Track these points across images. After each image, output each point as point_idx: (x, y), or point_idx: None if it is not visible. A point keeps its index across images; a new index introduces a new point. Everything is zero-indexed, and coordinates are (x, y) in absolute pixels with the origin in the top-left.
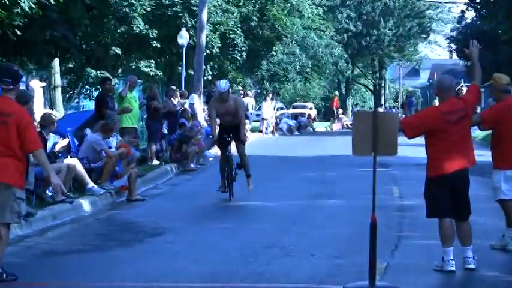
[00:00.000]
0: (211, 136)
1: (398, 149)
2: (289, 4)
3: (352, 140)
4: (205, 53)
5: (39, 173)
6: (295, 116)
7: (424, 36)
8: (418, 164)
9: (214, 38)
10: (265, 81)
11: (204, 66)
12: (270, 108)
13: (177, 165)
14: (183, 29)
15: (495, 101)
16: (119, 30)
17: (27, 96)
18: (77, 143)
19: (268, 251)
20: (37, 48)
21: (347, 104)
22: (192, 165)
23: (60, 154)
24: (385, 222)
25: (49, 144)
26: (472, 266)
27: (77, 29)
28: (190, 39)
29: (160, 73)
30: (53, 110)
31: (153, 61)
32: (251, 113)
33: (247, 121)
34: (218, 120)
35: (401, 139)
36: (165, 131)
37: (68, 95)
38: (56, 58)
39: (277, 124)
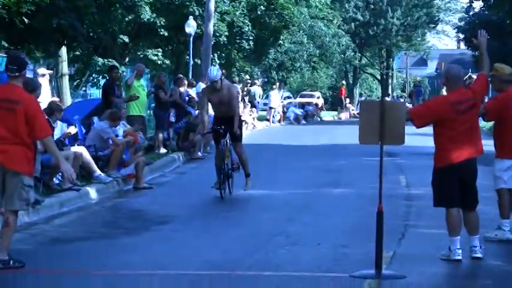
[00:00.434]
0: (201, 129)
1: (405, 139)
2: None
3: (359, 129)
4: (212, 42)
5: (47, 161)
6: (302, 105)
7: (431, 25)
8: (426, 153)
9: (222, 26)
10: (272, 70)
11: (211, 55)
12: (277, 97)
13: (184, 153)
14: (191, 18)
15: (497, 92)
16: (126, 19)
17: (34, 83)
18: (84, 131)
19: (274, 239)
20: (44, 36)
21: (354, 93)
22: (199, 154)
23: (67, 142)
24: (391, 211)
25: (56, 132)
26: (479, 255)
27: (84, 17)
28: (197, 28)
29: (167, 62)
30: (59, 98)
31: (160, 50)
32: (258, 102)
33: (253, 109)
34: (212, 112)
35: (409, 128)
36: (173, 119)
37: (75, 83)
38: (63, 46)
39: (284, 113)
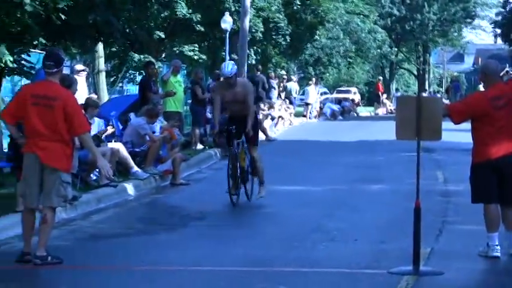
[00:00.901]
0: (213, 129)
1: (442, 134)
2: None
3: (396, 125)
4: (248, 38)
5: (84, 157)
6: (339, 101)
7: (468, 20)
8: (463, 149)
9: (258, 22)
10: (309, 66)
11: (247, 51)
12: (314, 93)
13: (221, 149)
14: (227, 14)
15: None
16: (162, 15)
17: (69, 79)
18: (121, 127)
19: (312, 235)
20: (80, 32)
21: (391, 88)
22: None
23: (104, 138)
24: (429, 207)
25: (93, 128)
26: None
27: (120, 14)
28: (233, 23)
29: (204, 57)
30: (96, 94)
31: (196, 45)
32: (295, 98)
33: (290, 106)
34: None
35: (446, 124)
36: (209, 115)
37: (111, 80)
38: (100, 42)
39: (321, 109)
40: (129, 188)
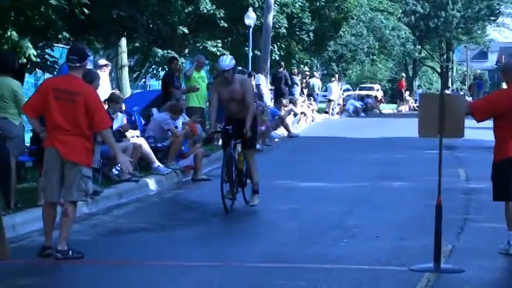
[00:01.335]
0: (208, 129)
1: (465, 132)
2: None
3: (418, 122)
4: (272, 34)
5: (106, 152)
6: (361, 98)
7: (492, 18)
8: (485, 146)
9: (281, 18)
10: (332, 63)
11: (270, 47)
12: (336, 90)
13: None
14: (250, 10)
15: None
16: (186, 10)
17: (92, 74)
18: (143, 122)
19: (333, 232)
20: (104, 27)
21: (414, 86)
22: (258, 146)
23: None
24: (450, 205)
25: (116, 124)
26: None
27: (144, 9)
28: (257, 19)
29: (227, 53)
30: (119, 89)
31: (219, 41)
32: (318, 94)
33: (313, 102)
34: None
35: (468, 122)
36: None
37: (134, 75)
38: (123, 37)
39: (343, 105)
40: (151, 183)
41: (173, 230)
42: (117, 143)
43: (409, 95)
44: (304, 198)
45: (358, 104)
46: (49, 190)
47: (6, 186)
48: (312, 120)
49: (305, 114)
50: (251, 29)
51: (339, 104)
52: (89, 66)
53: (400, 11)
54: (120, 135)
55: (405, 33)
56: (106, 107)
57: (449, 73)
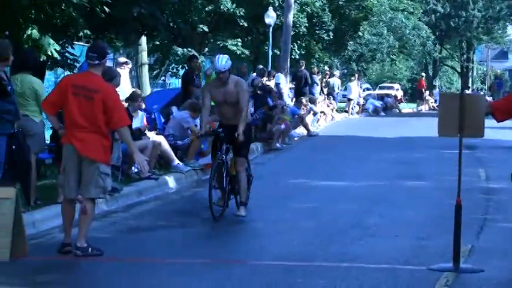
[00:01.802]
0: (198, 131)
1: (484, 132)
2: None
3: (438, 122)
4: (292, 33)
5: (126, 150)
6: (381, 97)
7: None
8: (505, 146)
9: (302, 18)
10: (352, 62)
11: (290, 46)
12: (356, 89)
13: (262, 144)
14: (270, 9)
15: None
16: (206, 9)
17: (111, 73)
18: (162, 120)
19: (351, 231)
20: (124, 25)
21: (435, 85)
22: (278, 145)
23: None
24: (470, 205)
25: (136, 122)
26: None
27: (164, 7)
28: (277, 18)
29: (247, 52)
30: (139, 87)
31: (239, 40)
32: (337, 93)
33: (333, 102)
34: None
35: (488, 121)
36: (251, 109)
37: (154, 73)
38: (143, 36)
39: (363, 105)
40: (170, 181)
41: (192, 228)
42: (134, 142)
43: (429, 95)
44: (323, 196)
45: (378, 103)
46: (67, 187)
47: (27, 183)
48: (332, 119)
49: (325, 114)
50: (271, 28)
51: (358, 103)
52: (109, 64)
53: (421, 10)
54: (140, 133)
55: (425, 32)
56: (126, 105)
57: (470, 73)
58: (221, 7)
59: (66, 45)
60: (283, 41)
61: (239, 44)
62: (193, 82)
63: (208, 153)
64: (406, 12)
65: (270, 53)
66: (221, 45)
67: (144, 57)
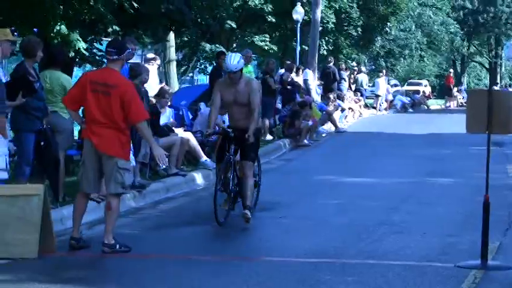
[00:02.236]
0: (206, 131)
1: None
2: None
3: (466, 118)
4: (320, 29)
5: None
6: (409, 93)
7: None
8: None
9: (330, 14)
10: (380, 58)
11: (318, 42)
12: (384, 85)
13: (290, 140)
14: (298, 4)
15: None
16: (234, 5)
17: (138, 69)
18: (190, 116)
19: (379, 228)
20: (153, 21)
21: (462, 81)
22: (306, 141)
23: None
24: (498, 202)
25: (163, 118)
26: None
27: (192, 3)
28: (305, 14)
29: (275, 48)
30: (166, 83)
31: (267, 36)
32: (365, 90)
33: (361, 98)
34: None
35: None
36: (279, 106)
37: (182, 69)
38: (171, 32)
39: (391, 101)
40: (198, 177)
41: (220, 224)
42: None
43: (458, 91)
44: (350, 193)
45: (406, 99)
46: (85, 181)
47: (55, 180)
48: (360, 116)
49: (352, 110)
50: (299, 24)
51: (386, 100)
52: (137, 60)
53: (449, 6)
54: (168, 129)
55: (454, 28)
56: (154, 101)
57: (498, 69)
58: (249, 3)
59: (95, 41)
60: (311, 37)
61: (267, 39)
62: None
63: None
64: (434, 8)
65: (298, 49)
66: (249, 41)
67: (172, 53)
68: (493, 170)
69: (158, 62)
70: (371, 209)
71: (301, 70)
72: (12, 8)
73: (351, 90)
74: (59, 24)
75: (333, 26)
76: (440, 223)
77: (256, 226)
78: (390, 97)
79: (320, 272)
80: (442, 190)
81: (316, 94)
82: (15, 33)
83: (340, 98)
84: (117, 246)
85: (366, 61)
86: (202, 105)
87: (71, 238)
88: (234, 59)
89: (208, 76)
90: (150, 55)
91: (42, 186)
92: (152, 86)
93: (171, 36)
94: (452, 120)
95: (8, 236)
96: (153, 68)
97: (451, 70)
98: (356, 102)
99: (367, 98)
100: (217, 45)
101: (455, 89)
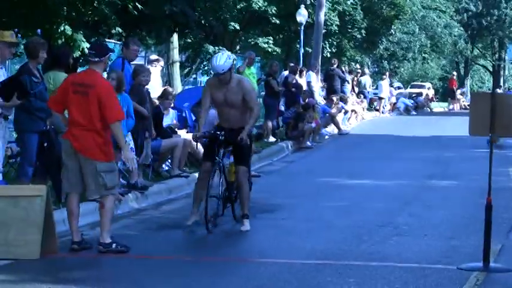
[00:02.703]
0: (195, 134)
1: None
2: None
3: (469, 121)
4: (323, 31)
5: (156, 147)
6: (412, 96)
7: None
8: None
9: (333, 16)
10: (383, 60)
11: (322, 44)
12: (387, 87)
13: (293, 142)
14: (302, 7)
15: None
16: (238, 6)
17: (137, 70)
18: (193, 118)
19: (381, 230)
20: (156, 22)
21: (465, 84)
22: (308, 143)
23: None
24: (500, 204)
25: (167, 120)
26: None
27: (196, 5)
28: (309, 16)
29: (278, 50)
30: (169, 85)
31: (271, 38)
32: (368, 92)
33: (364, 100)
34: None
35: None
36: (282, 108)
37: (185, 71)
38: (175, 33)
39: (394, 103)
40: None
41: (221, 226)
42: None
43: (461, 94)
44: (353, 195)
45: (409, 102)
46: (66, 181)
47: (58, 181)
48: (363, 118)
49: (355, 112)
50: (302, 26)
51: (391, 102)
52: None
53: (453, 9)
54: (171, 130)
55: (457, 31)
56: (157, 102)
57: (502, 72)
58: (253, 5)
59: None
60: (314, 39)
61: (270, 41)
62: None
63: None
64: (438, 11)
65: (301, 51)
66: (252, 43)
67: (176, 54)
68: (496, 172)
69: (161, 63)
70: (373, 211)
71: (304, 72)
72: (13, 8)
73: (354, 92)
74: (62, 25)
75: (336, 28)
76: (442, 225)
77: (258, 228)
78: (393, 99)
79: (322, 274)
80: (445, 192)
81: (319, 96)
82: (18, 35)
83: (343, 100)
84: (114, 246)
85: (370, 63)
86: None
87: (72, 243)
88: (220, 59)
89: None
90: (154, 56)
91: (44, 187)
92: (155, 88)
93: (175, 37)
94: (455, 123)
95: (10, 236)
96: (156, 70)
97: (455, 73)
98: (359, 104)
99: (370, 100)
100: (221, 47)
101: (459, 91)
